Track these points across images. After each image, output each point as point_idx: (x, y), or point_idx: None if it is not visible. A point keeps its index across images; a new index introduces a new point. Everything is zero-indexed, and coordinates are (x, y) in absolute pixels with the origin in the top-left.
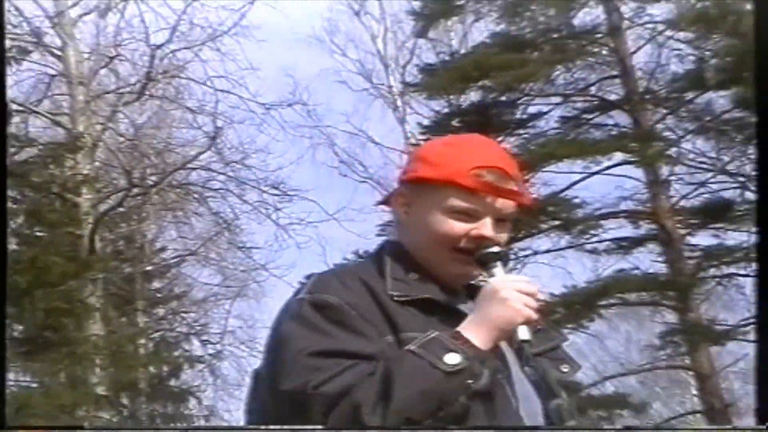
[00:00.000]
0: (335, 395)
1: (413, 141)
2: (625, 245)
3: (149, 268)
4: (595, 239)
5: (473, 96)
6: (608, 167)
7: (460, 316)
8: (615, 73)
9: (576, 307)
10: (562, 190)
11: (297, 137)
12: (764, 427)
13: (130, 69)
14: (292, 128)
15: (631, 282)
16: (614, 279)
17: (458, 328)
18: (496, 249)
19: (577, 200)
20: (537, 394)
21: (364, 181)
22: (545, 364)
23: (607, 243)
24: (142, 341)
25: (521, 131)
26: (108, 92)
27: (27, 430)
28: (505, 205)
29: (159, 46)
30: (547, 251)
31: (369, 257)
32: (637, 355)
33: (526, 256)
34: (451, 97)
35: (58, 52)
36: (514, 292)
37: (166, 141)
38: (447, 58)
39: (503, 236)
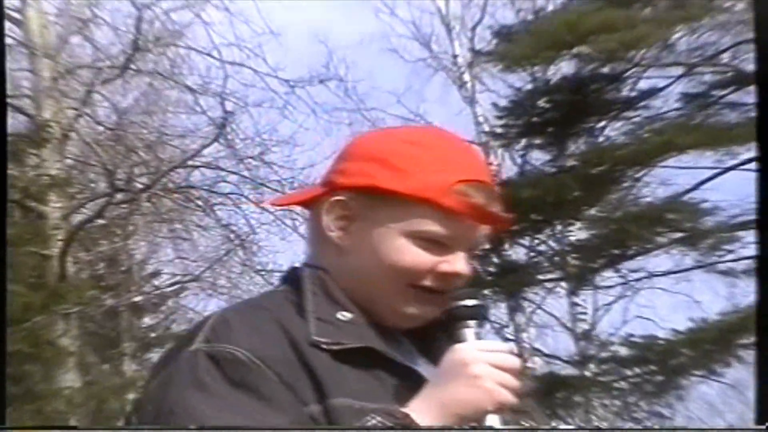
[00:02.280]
0: None
1: (486, 128)
2: None
3: (138, 299)
4: (730, 257)
5: (565, 67)
6: (747, 161)
7: (404, 373)
8: (753, 35)
9: (706, 347)
10: (686, 192)
11: (332, 124)
12: (764, 427)
13: (110, 36)
14: (326, 112)
15: None
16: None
17: (406, 409)
18: (471, 302)
19: (706, 205)
20: None
21: None
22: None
23: (746, 262)
24: (131, 395)
25: (630, 113)
26: (82, 66)
27: (27, 429)
28: (484, 232)
29: (148, 5)
30: (667, 273)
31: (279, 288)
32: None
33: (638, 280)
34: (536, 69)
35: (16, 15)
36: (488, 368)
37: (159, 131)
38: (530, 17)
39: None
